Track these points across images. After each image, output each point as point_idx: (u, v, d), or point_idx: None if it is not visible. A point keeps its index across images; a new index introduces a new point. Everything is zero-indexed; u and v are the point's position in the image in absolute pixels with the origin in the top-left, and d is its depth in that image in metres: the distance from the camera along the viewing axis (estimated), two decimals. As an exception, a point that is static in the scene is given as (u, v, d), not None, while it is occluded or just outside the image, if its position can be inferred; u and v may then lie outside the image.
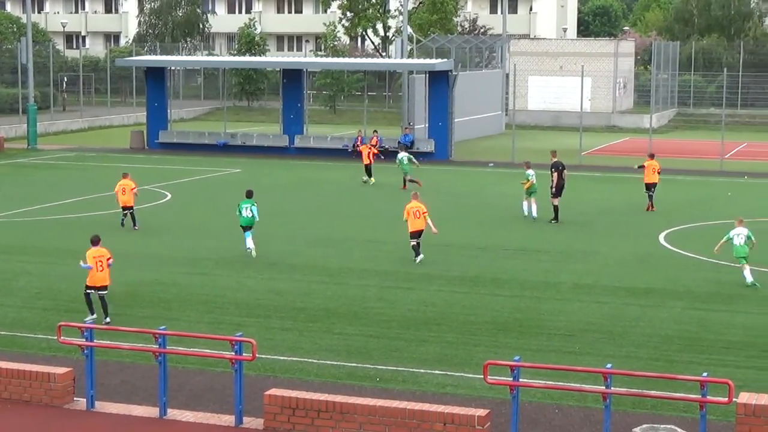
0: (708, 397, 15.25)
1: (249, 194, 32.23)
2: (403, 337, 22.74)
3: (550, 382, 18.16)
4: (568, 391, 18.01)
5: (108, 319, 23.40)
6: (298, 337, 22.68)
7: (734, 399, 15.16)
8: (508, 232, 35.82)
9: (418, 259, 30.28)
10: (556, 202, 37.59)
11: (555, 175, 37.81)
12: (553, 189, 37.70)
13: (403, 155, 44.00)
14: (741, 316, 24.58)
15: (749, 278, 27.62)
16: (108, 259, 24.13)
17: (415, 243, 30.52)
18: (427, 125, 59.51)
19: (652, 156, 42.61)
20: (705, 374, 15.58)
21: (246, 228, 31.31)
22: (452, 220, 38.12)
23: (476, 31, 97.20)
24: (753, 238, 27.97)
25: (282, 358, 21.14)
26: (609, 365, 16.07)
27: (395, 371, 20.37)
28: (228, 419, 17.16)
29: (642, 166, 41.91)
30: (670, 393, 17.49)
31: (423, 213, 30.39)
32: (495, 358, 19.55)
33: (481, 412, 15.92)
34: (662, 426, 15.39)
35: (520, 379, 16.20)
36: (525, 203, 37.79)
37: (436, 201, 41.94)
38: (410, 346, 22.04)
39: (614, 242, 33.93)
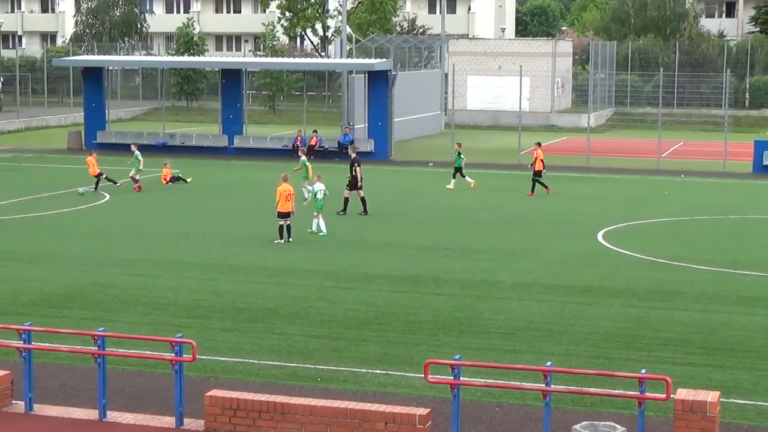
0: (646, 393, 15.39)
1: None
2: (344, 336, 22.76)
3: (491, 381, 18.25)
4: (509, 389, 18.11)
5: None
6: (239, 338, 22.62)
7: (672, 395, 15.32)
8: (448, 231, 35.93)
9: (279, 242, 32.90)
10: (359, 194, 38.98)
11: (357, 169, 39.07)
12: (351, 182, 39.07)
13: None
14: (678, 314, 24.83)
15: (315, 228, 34.09)
16: None
17: (282, 223, 32.97)
18: (366, 125, 59.58)
19: (539, 144, 45.72)
20: (643, 371, 15.71)
21: None
22: (392, 220, 38.22)
23: (415, 31, 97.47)
24: (328, 193, 34.74)
25: (223, 358, 21.08)
26: (549, 363, 16.17)
27: (336, 371, 20.38)
28: (169, 421, 17.07)
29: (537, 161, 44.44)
30: (609, 390, 17.65)
31: (292, 195, 33.23)
32: (436, 357, 19.62)
33: (423, 411, 15.95)
34: (602, 423, 15.49)
35: (461, 378, 16.26)
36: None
37: (376, 201, 42.04)
38: (351, 346, 22.06)
39: (553, 241, 34.15)
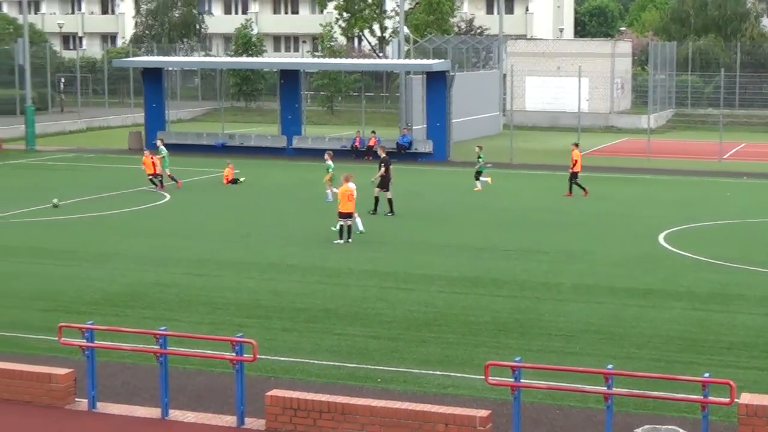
0: (710, 397, 15.25)
1: None
2: (403, 337, 22.74)
3: (552, 383, 18.13)
4: (570, 391, 17.98)
5: None
6: (299, 338, 22.68)
7: (736, 400, 15.17)
8: (507, 232, 35.82)
9: (339, 242, 32.93)
10: (386, 194, 38.89)
11: (384, 169, 39.03)
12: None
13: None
14: (741, 317, 24.59)
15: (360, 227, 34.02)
16: None
17: (343, 224, 33.01)
18: (425, 126, 59.52)
19: (576, 145, 45.45)
20: (706, 375, 15.58)
21: None
22: (451, 221, 38.16)
23: (472, 32, 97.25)
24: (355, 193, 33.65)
25: (283, 358, 21.13)
26: (610, 366, 16.07)
27: (396, 372, 20.37)
28: (230, 420, 17.16)
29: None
30: (671, 394, 17.48)
31: (353, 196, 33.28)
32: (496, 358, 19.56)
33: (483, 412, 15.92)
34: (664, 427, 15.40)
35: (522, 380, 16.21)
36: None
37: (434, 202, 42.07)
38: (411, 347, 22.05)
39: (613, 243, 33.94)
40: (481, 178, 46.07)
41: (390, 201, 38.91)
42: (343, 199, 33.28)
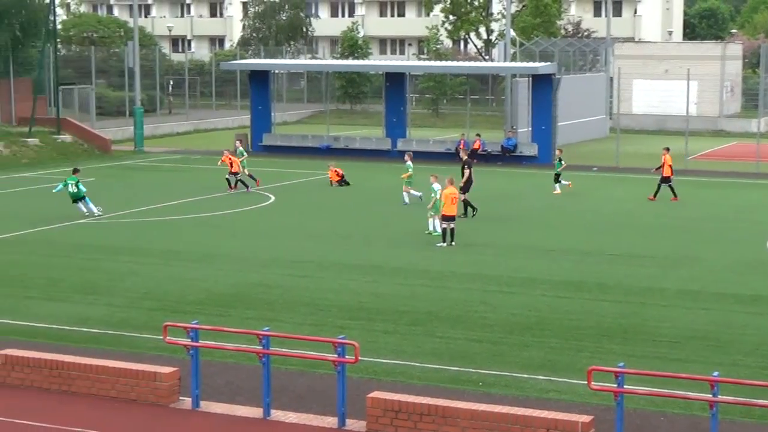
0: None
1: (75, 171, 38.93)
2: (506, 341, 22.63)
3: (656, 389, 17.90)
4: (674, 398, 17.73)
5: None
6: (401, 341, 22.68)
7: None
8: (612, 237, 35.46)
9: (442, 245, 32.88)
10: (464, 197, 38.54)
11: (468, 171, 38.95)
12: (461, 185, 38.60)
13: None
14: None
15: (432, 228, 34.31)
16: None
17: (446, 227, 32.95)
18: (530, 129, 59.22)
19: (668, 149, 44.70)
20: (816, 384, 15.26)
21: (76, 200, 37.77)
22: (556, 225, 37.90)
23: (580, 35, 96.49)
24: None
25: (384, 361, 21.14)
26: (716, 373, 15.83)
27: (498, 376, 20.27)
28: (331, 421, 17.22)
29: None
30: (779, 402, 17.15)
31: (457, 199, 33.40)
32: (599, 363, 19.38)
33: (585, 418, 15.79)
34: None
35: (625, 386, 16.02)
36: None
37: (538, 205, 41.82)
38: (513, 351, 21.93)
39: (720, 248, 33.41)
40: (562, 181, 45.72)
41: (465, 203, 38.62)
42: (446, 202, 33.24)
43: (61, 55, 73.59)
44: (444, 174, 35.71)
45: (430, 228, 35.03)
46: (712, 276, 29.22)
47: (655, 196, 43.57)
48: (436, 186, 35.24)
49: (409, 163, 42.28)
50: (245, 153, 46.90)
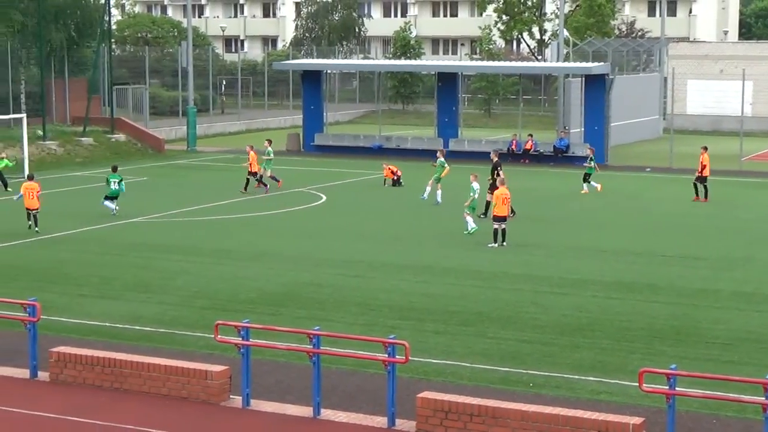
0: None
1: (114, 169, 39.11)
2: (557, 342, 22.54)
3: (708, 392, 17.73)
4: (727, 401, 17.57)
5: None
6: (451, 341, 22.64)
7: None
8: (664, 238, 35.23)
9: (493, 245, 32.82)
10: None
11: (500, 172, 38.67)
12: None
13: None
14: None
15: (470, 227, 34.59)
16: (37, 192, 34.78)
17: (497, 227, 32.94)
18: (582, 129, 58.96)
19: (705, 149, 44.37)
20: None
21: (112, 198, 38.20)
22: (607, 226, 37.72)
23: (634, 35, 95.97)
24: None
25: (435, 361, 21.12)
26: (770, 376, 15.67)
27: (549, 377, 20.19)
28: (381, 421, 17.22)
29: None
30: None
31: (509, 200, 33.36)
32: (650, 365, 19.25)
33: (636, 420, 15.69)
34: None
35: (677, 388, 15.91)
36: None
37: (591, 206, 41.62)
38: (564, 352, 21.84)
39: (775, 250, 33.11)
40: (592, 183, 45.43)
41: (488, 204, 38.24)
42: (498, 202, 33.18)
43: (115, 55, 74.11)
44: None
45: (469, 228, 34.94)
46: (766, 278, 28.94)
47: (697, 196, 43.24)
48: (476, 185, 35.27)
49: (442, 159, 42.20)
50: (272, 154, 46.90)
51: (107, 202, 38.22)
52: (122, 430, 16.78)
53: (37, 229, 35.16)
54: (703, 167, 43.49)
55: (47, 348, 19.63)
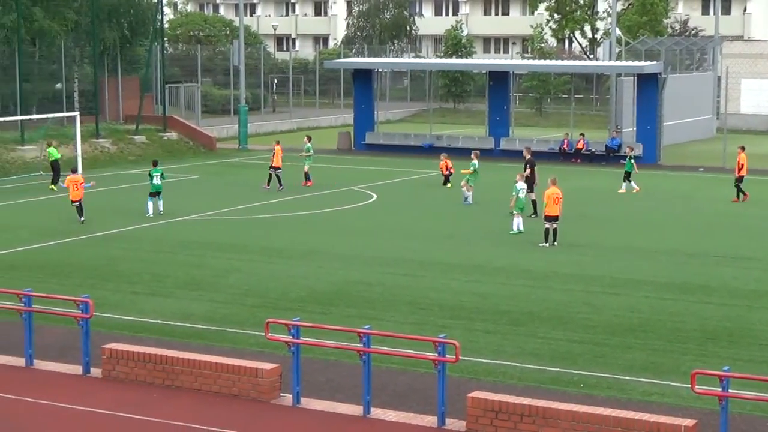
0: None
1: (155, 164, 39.46)
2: (608, 343, 22.42)
3: (762, 394, 17.55)
4: (781, 403, 17.43)
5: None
6: (502, 341, 22.58)
7: None
8: (718, 238, 34.95)
9: (544, 245, 32.71)
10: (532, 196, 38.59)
11: (529, 170, 39.06)
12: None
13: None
14: None
15: (516, 228, 34.58)
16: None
17: (549, 227, 32.74)
18: (635, 128, 58.62)
19: (743, 148, 44.07)
20: None
21: (155, 194, 38.17)
22: (660, 226, 37.48)
23: (687, 33, 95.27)
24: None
25: (485, 360, 21.07)
26: (824, 378, 15.50)
27: (600, 377, 20.09)
28: (430, 420, 17.19)
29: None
30: None
31: (560, 199, 32.92)
32: (703, 367, 19.09)
33: (688, 422, 15.57)
34: None
35: (730, 390, 15.77)
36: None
37: (643, 206, 41.37)
38: (615, 353, 21.71)
39: (830, 251, 32.76)
40: (632, 183, 45.18)
41: (533, 202, 38.50)
42: (549, 202, 33.04)
43: (167, 54, 74.52)
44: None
45: (514, 228, 34.83)
46: (820, 279, 28.65)
47: (738, 197, 42.98)
48: (520, 185, 35.17)
49: (475, 161, 42.00)
50: (311, 150, 47.03)
51: (149, 201, 38.24)
52: (173, 427, 16.87)
53: (83, 219, 36.40)
54: (741, 167, 43.16)
55: (100, 345, 19.78)
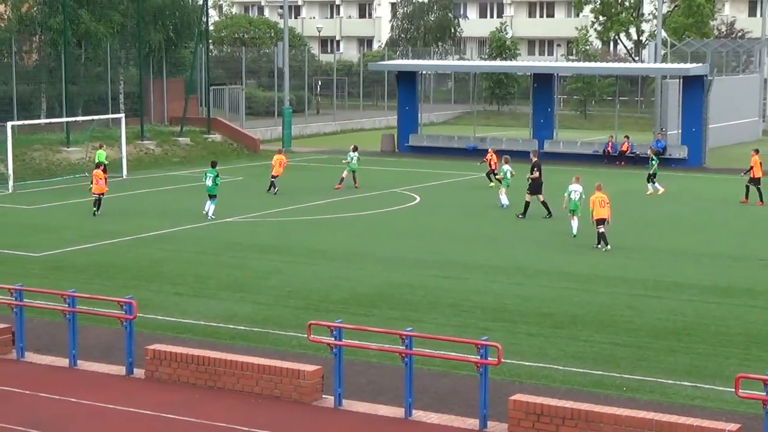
0: None
1: (213, 164, 39.53)
2: (651, 346, 22.29)
3: (807, 399, 17.42)
4: (826, 408, 17.24)
5: None
6: (544, 343, 22.51)
7: None
8: (763, 242, 34.68)
9: (605, 248, 32.47)
10: (538, 198, 38.95)
11: (537, 173, 39.29)
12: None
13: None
14: None
15: (575, 230, 34.34)
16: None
17: (601, 230, 32.66)
18: (680, 131, 58.30)
19: (757, 151, 44.85)
20: None
21: (211, 196, 38.22)
22: (705, 229, 37.25)
23: (733, 35, 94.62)
24: (584, 195, 34.50)
25: (527, 363, 21.01)
26: None
27: (643, 381, 19.98)
28: (472, 423, 17.15)
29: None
30: None
31: (607, 203, 32.85)
32: (747, 371, 18.94)
33: (732, 426, 15.44)
34: None
35: (775, 395, 15.64)
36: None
37: (687, 208, 41.14)
38: (659, 356, 21.59)
39: None
40: (657, 185, 45.32)
41: (545, 204, 38.69)
42: (595, 206, 32.92)
43: (212, 56, 74.79)
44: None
45: (574, 230, 34.74)
46: None
47: (746, 199, 43.33)
48: (572, 187, 35.14)
49: (506, 167, 41.92)
50: (352, 158, 46.91)
51: (207, 203, 38.43)
52: (215, 428, 16.92)
53: (97, 212, 38.51)
54: (751, 168, 43.55)
55: (143, 345, 19.88)
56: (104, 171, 40.46)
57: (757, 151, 44.57)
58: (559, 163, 56.37)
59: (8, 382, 19.09)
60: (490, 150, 48.70)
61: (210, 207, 38.25)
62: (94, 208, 38.54)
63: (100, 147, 47.78)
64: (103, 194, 38.80)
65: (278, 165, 45.30)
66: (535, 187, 39.00)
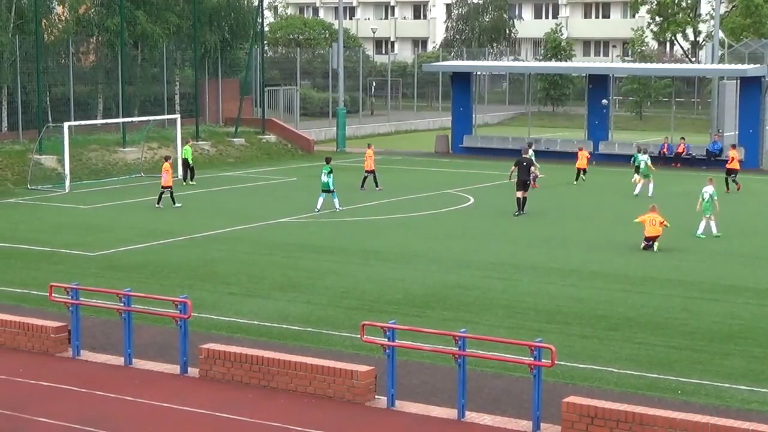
0: None
1: (327, 161, 40.98)
2: (707, 349, 22.11)
3: None
4: None
5: None
6: (598, 346, 22.39)
7: None
8: (821, 244, 34.33)
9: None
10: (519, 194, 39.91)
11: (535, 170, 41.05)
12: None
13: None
14: None
15: (700, 230, 34.76)
16: None
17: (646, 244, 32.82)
18: (737, 132, 57.79)
19: (734, 146, 48.42)
20: None
21: (326, 191, 39.63)
22: (762, 232, 36.90)
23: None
24: (715, 197, 35.16)
25: (581, 365, 20.90)
26: None
27: (698, 384, 19.82)
28: (525, 424, 17.10)
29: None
30: None
31: (661, 223, 32.75)
32: (805, 375, 18.76)
33: (788, 431, 15.30)
34: None
35: (832, 399, 15.47)
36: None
37: (743, 211, 40.76)
38: (714, 359, 21.41)
39: None
40: (647, 183, 45.78)
41: (521, 200, 39.79)
42: (646, 224, 32.88)
43: (267, 57, 75.17)
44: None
45: (700, 230, 35.02)
46: None
47: (728, 188, 45.87)
48: (706, 188, 35.43)
49: (644, 157, 44.59)
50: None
51: (320, 197, 39.93)
52: (269, 428, 16.98)
53: (159, 206, 40.23)
54: (732, 160, 46.98)
55: (197, 344, 19.99)
56: (171, 165, 41.42)
57: (734, 146, 46.28)
58: (615, 164, 56.07)
59: (64, 380, 19.28)
60: (581, 148, 50.63)
61: (320, 202, 39.77)
62: (158, 205, 40.46)
63: (186, 143, 49.11)
64: (168, 188, 40.46)
65: (369, 160, 46.91)
66: (522, 185, 40.03)
